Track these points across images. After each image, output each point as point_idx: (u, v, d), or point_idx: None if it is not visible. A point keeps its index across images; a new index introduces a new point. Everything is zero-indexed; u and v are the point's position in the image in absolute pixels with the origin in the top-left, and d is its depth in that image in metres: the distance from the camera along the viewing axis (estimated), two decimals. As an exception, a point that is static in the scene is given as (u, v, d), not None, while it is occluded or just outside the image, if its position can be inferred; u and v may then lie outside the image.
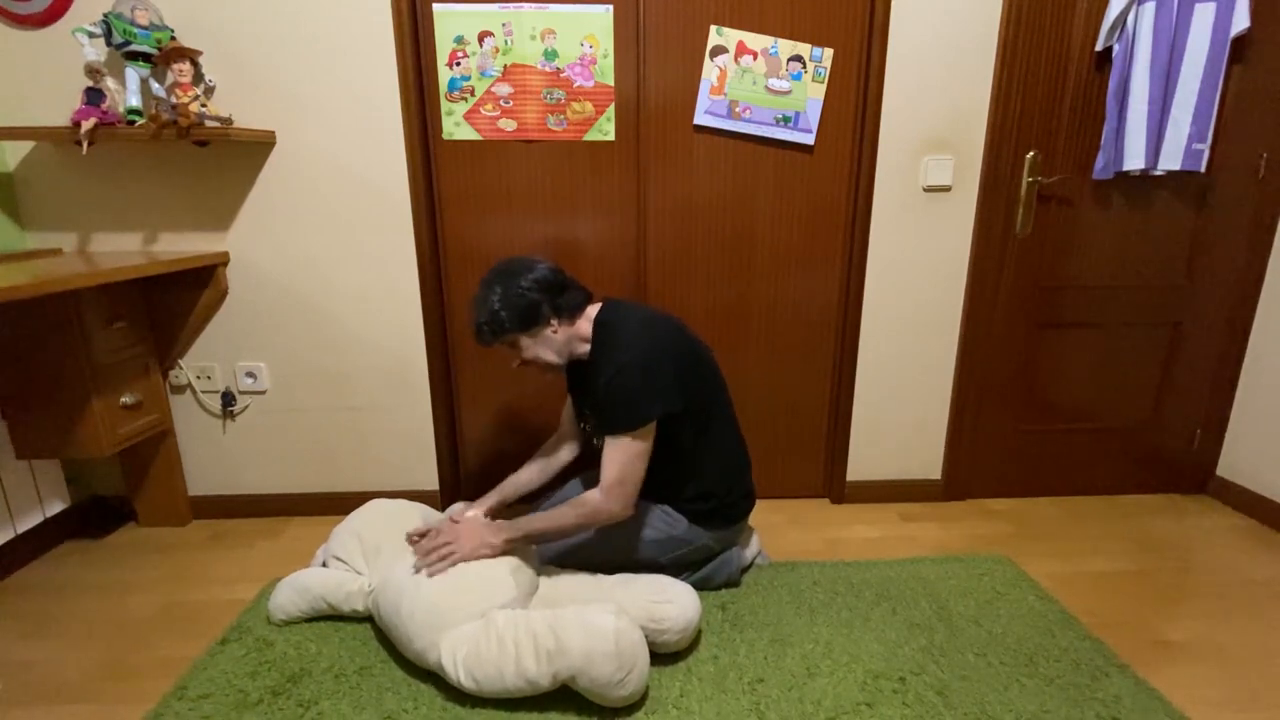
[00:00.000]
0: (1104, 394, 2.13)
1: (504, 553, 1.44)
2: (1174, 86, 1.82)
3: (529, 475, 1.76)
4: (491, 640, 1.25)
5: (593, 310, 1.55)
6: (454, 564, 1.39)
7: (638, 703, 1.28)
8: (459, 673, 1.26)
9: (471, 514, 1.62)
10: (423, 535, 1.53)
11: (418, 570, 1.40)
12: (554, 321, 1.49)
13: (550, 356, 1.52)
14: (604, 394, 1.42)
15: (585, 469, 1.78)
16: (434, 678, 1.35)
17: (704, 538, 1.60)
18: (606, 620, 1.22)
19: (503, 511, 1.69)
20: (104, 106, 1.68)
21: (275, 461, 2.07)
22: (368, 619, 1.54)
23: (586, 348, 1.53)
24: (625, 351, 1.44)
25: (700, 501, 1.58)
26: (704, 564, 1.64)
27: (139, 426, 1.82)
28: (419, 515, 1.69)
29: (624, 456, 1.42)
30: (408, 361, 2.01)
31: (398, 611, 1.35)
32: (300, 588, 1.52)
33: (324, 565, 1.62)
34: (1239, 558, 1.84)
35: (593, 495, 1.45)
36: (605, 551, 1.57)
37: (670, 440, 1.49)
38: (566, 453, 1.78)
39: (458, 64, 1.83)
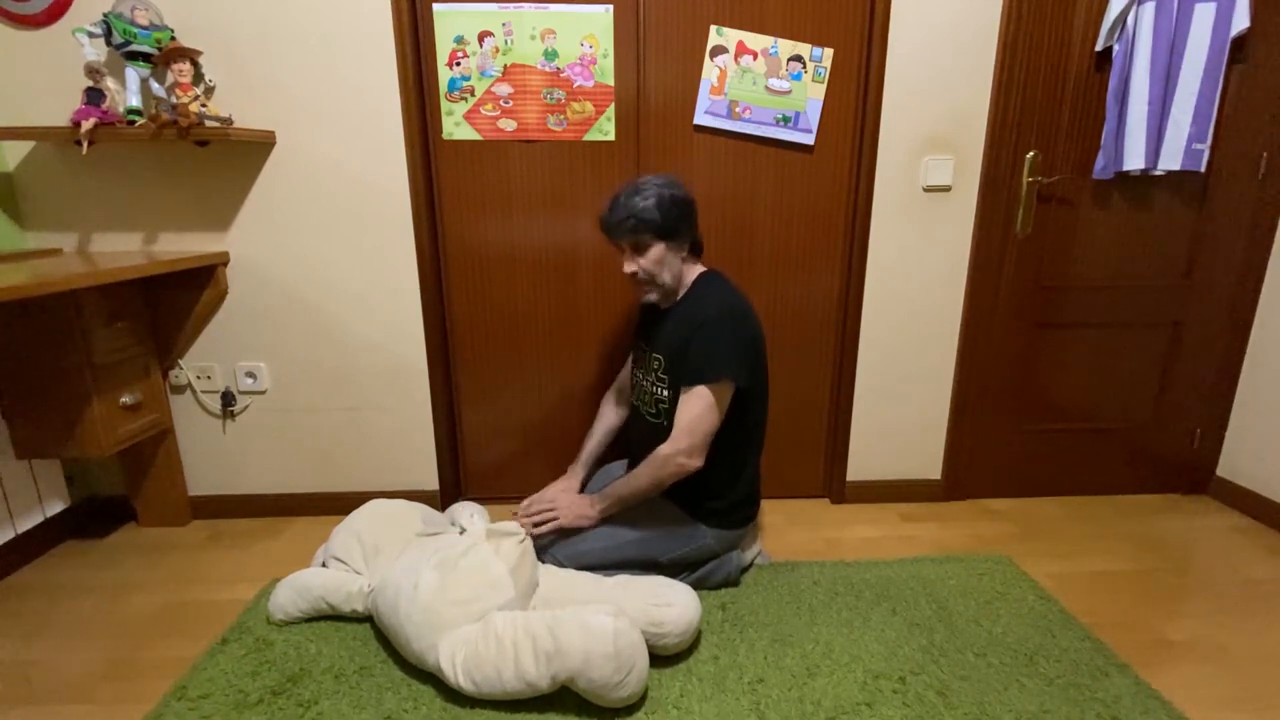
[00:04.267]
0: (1104, 394, 2.13)
1: (600, 523, 1.56)
2: (1174, 86, 1.82)
3: (595, 443, 1.83)
4: (490, 642, 1.25)
5: (699, 267, 1.61)
6: (555, 529, 1.50)
7: (637, 703, 1.28)
8: (458, 675, 1.26)
9: (563, 486, 1.74)
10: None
11: (523, 528, 1.49)
12: (686, 248, 1.55)
13: (666, 276, 1.53)
14: (695, 339, 1.45)
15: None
16: (434, 678, 1.34)
17: (706, 537, 1.60)
18: (605, 621, 1.22)
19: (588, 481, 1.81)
20: (104, 106, 1.68)
21: (275, 461, 2.07)
22: (367, 619, 1.54)
23: (681, 294, 1.58)
24: (726, 308, 1.48)
25: (713, 499, 1.59)
26: (702, 564, 1.64)
27: (139, 426, 1.82)
28: (419, 515, 1.69)
29: (699, 406, 1.45)
30: (408, 361, 2.01)
31: (396, 612, 1.35)
32: (300, 588, 1.52)
33: (324, 565, 1.62)
34: (1239, 558, 1.84)
35: (663, 447, 1.48)
36: (606, 546, 1.57)
37: (722, 438, 1.51)
38: (617, 415, 1.84)
39: (458, 64, 1.83)
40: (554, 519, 1.57)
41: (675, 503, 1.61)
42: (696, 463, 1.47)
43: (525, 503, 1.67)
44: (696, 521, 1.60)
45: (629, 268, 1.54)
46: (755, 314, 1.56)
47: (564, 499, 1.60)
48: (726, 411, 1.50)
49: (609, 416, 1.85)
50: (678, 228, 1.50)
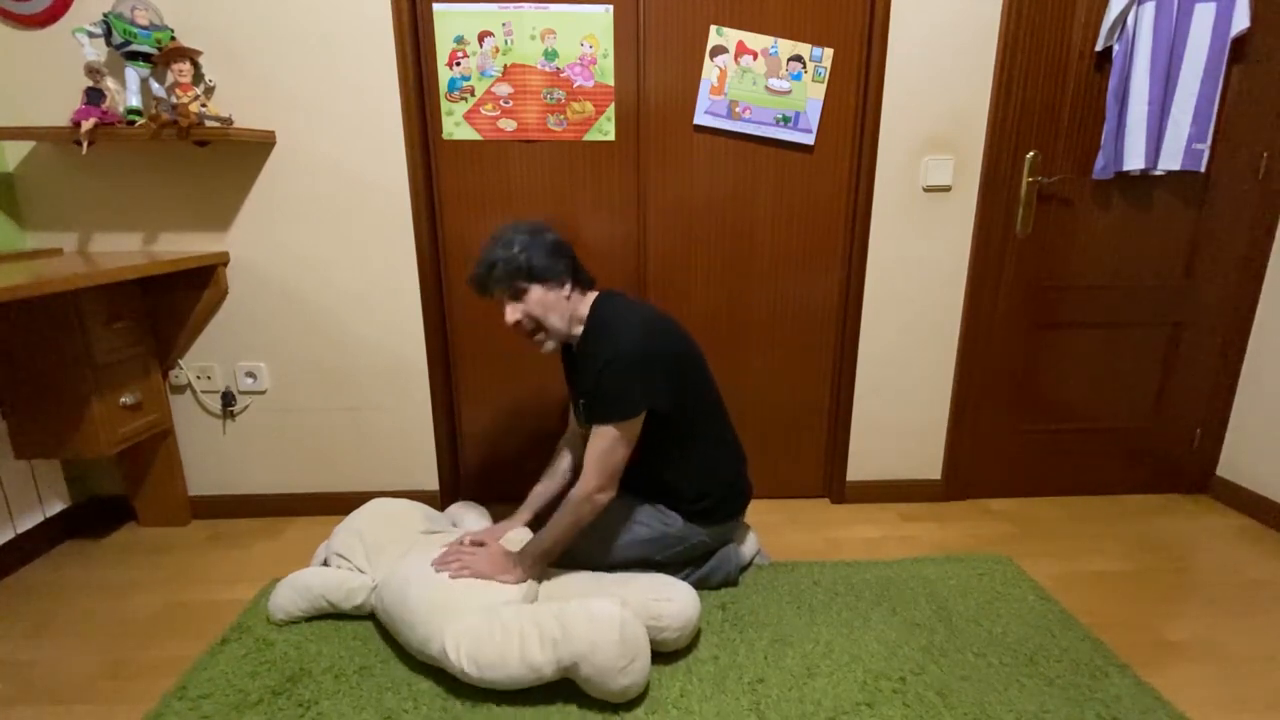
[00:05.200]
0: (1104, 394, 2.13)
1: (533, 577, 1.46)
2: (1174, 86, 1.82)
3: (545, 486, 1.74)
4: (496, 628, 1.26)
5: (590, 297, 1.54)
6: (462, 576, 1.40)
7: (638, 699, 1.28)
8: (460, 658, 1.25)
9: (510, 534, 1.59)
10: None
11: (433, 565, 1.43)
12: (567, 285, 1.48)
13: (555, 320, 1.47)
14: (595, 383, 1.42)
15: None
16: (433, 676, 1.35)
17: (699, 534, 1.60)
18: (611, 609, 1.24)
19: (537, 523, 1.67)
20: (104, 106, 1.68)
21: (275, 461, 2.07)
22: (368, 618, 1.54)
23: (580, 330, 1.53)
24: (619, 343, 1.43)
25: (695, 501, 1.59)
26: (702, 560, 1.65)
27: (139, 426, 1.82)
28: (421, 515, 1.69)
29: (607, 444, 1.42)
30: (408, 361, 2.01)
31: (404, 601, 1.36)
32: (300, 587, 1.52)
33: (325, 563, 1.62)
34: (1239, 558, 1.84)
35: (575, 490, 1.45)
36: (603, 550, 1.57)
37: (662, 440, 1.50)
38: (569, 458, 1.76)
39: (458, 64, 1.83)
40: (464, 568, 1.42)
41: (665, 505, 1.61)
42: (610, 494, 1.45)
43: (451, 544, 1.53)
44: (688, 522, 1.60)
45: (511, 316, 1.46)
46: (663, 327, 1.51)
47: (489, 554, 1.46)
48: (669, 426, 1.48)
49: (563, 462, 1.76)
50: (551, 267, 1.44)
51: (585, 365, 1.50)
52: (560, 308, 1.48)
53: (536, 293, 1.45)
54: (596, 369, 1.42)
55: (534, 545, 1.47)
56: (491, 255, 1.43)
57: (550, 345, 1.51)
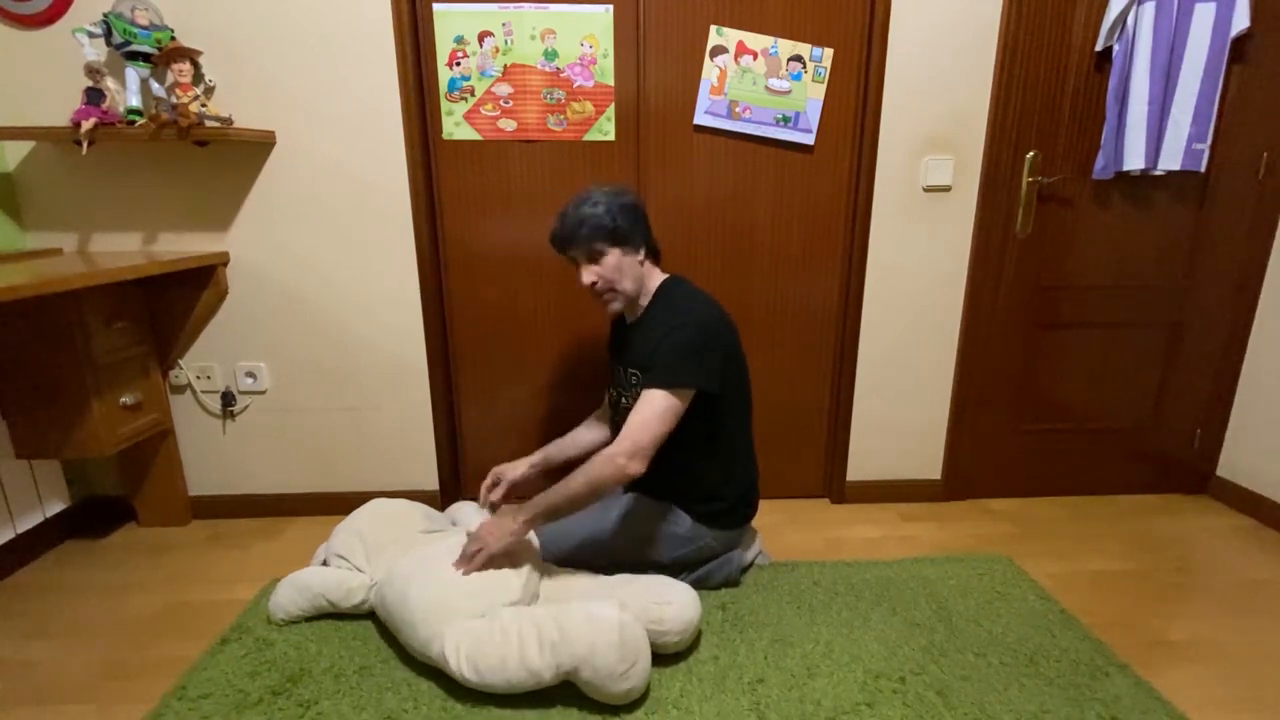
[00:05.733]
0: (1104, 394, 2.13)
1: (527, 533, 1.43)
2: (1174, 86, 1.82)
3: (558, 447, 1.75)
4: (495, 632, 1.26)
5: (659, 273, 1.57)
6: (487, 558, 1.38)
7: (638, 701, 1.28)
8: (460, 663, 1.25)
9: (498, 500, 1.68)
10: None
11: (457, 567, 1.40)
12: (642, 252, 1.51)
13: (627, 284, 1.49)
14: (658, 345, 1.43)
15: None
16: (434, 677, 1.35)
17: (706, 538, 1.60)
18: (610, 612, 1.23)
19: (538, 478, 1.72)
20: (104, 106, 1.68)
21: (275, 461, 2.07)
22: (367, 617, 1.54)
23: (645, 302, 1.55)
24: (692, 314, 1.46)
25: (707, 502, 1.58)
26: (704, 563, 1.64)
27: (139, 426, 1.82)
28: (420, 514, 1.69)
29: (652, 411, 1.39)
30: (408, 361, 2.01)
31: (405, 601, 1.36)
32: (300, 586, 1.52)
33: (325, 564, 1.62)
34: (1239, 558, 1.84)
35: (606, 450, 1.40)
36: (608, 548, 1.57)
37: (693, 432, 1.49)
38: (589, 434, 1.76)
39: (458, 64, 1.83)
40: (479, 552, 1.39)
41: (677, 506, 1.61)
42: (638, 467, 1.38)
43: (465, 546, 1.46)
44: (696, 523, 1.60)
45: (587, 278, 1.49)
46: (726, 317, 1.53)
47: (486, 526, 1.43)
48: (705, 417, 1.48)
49: (584, 435, 1.75)
50: (631, 232, 1.47)
51: (643, 336, 1.51)
52: (634, 272, 1.51)
53: (614, 256, 1.47)
54: (659, 336, 1.44)
55: (542, 498, 1.41)
56: (579, 213, 1.45)
57: (616, 306, 1.54)
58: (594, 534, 1.59)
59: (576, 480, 1.40)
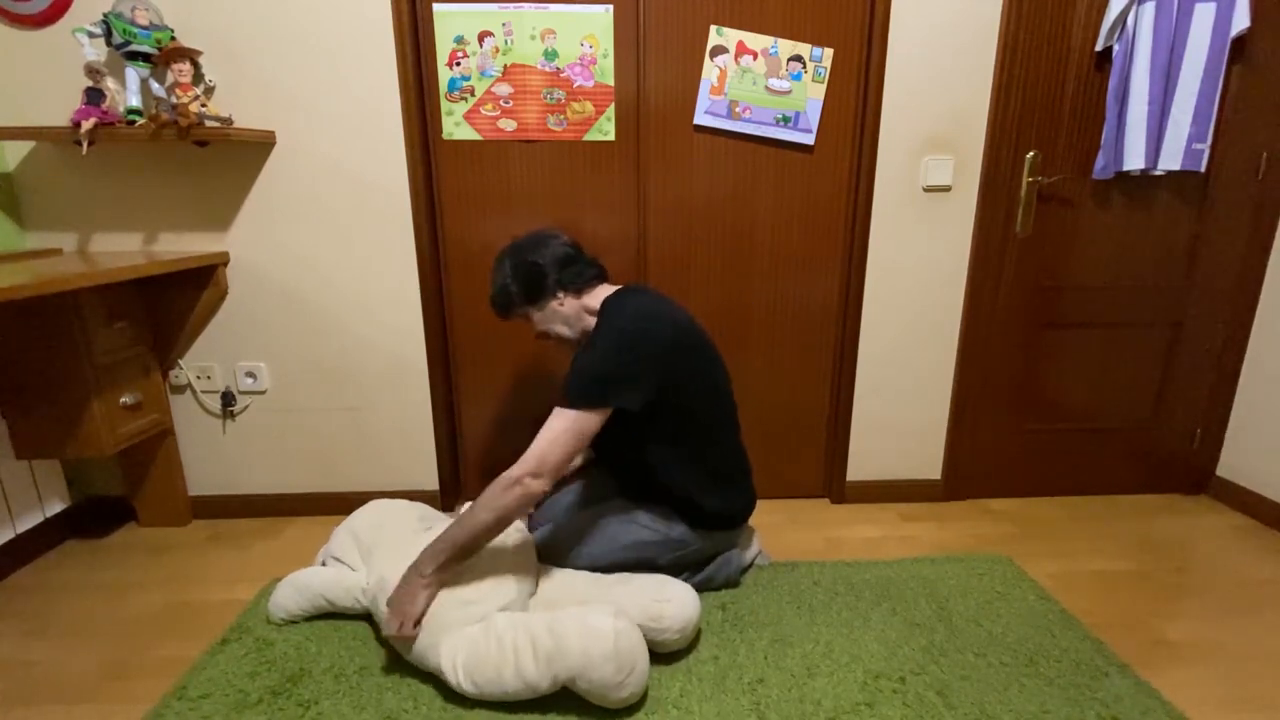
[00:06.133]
0: (1104, 394, 2.13)
1: (440, 583, 1.33)
2: (1174, 86, 1.82)
3: None
4: (491, 642, 1.25)
5: (606, 290, 1.55)
6: (417, 624, 1.29)
7: (637, 704, 1.28)
8: (459, 676, 1.26)
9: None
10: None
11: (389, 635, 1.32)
12: (560, 294, 1.52)
13: (562, 329, 1.55)
14: (573, 363, 1.43)
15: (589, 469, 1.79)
16: (434, 677, 1.34)
17: (702, 540, 1.60)
18: (605, 621, 1.22)
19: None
20: (104, 106, 1.68)
21: (275, 461, 2.07)
22: (367, 617, 1.54)
23: (594, 326, 1.51)
24: (609, 332, 1.43)
25: (697, 508, 1.57)
26: (704, 565, 1.64)
27: (139, 426, 1.82)
28: (416, 515, 1.68)
29: (556, 429, 1.34)
30: (408, 361, 2.01)
31: None
32: (300, 586, 1.52)
33: (324, 566, 1.62)
34: (1239, 558, 1.84)
35: (506, 473, 1.33)
36: (604, 552, 1.57)
37: (659, 438, 1.49)
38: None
39: (458, 64, 1.83)
40: (404, 623, 1.29)
41: (671, 509, 1.60)
42: (544, 485, 1.32)
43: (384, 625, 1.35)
44: (690, 527, 1.59)
45: (534, 334, 1.58)
46: (668, 325, 1.44)
47: (395, 597, 1.32)
48: (665, 421, 1.46)
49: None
50: (537, 289, 1.50)
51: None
52: (560, 316, 1.53)
53: (534, 314, 1.54)
54: (576, 354, 1.46)
55: (443, 542, 1.31)
56: (493, 286, 1.53)
57: (565, 347, 1.59)
58: (591, 551, 1.57)
59: (479, 513, 1.32)
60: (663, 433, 1.49)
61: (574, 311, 1.53)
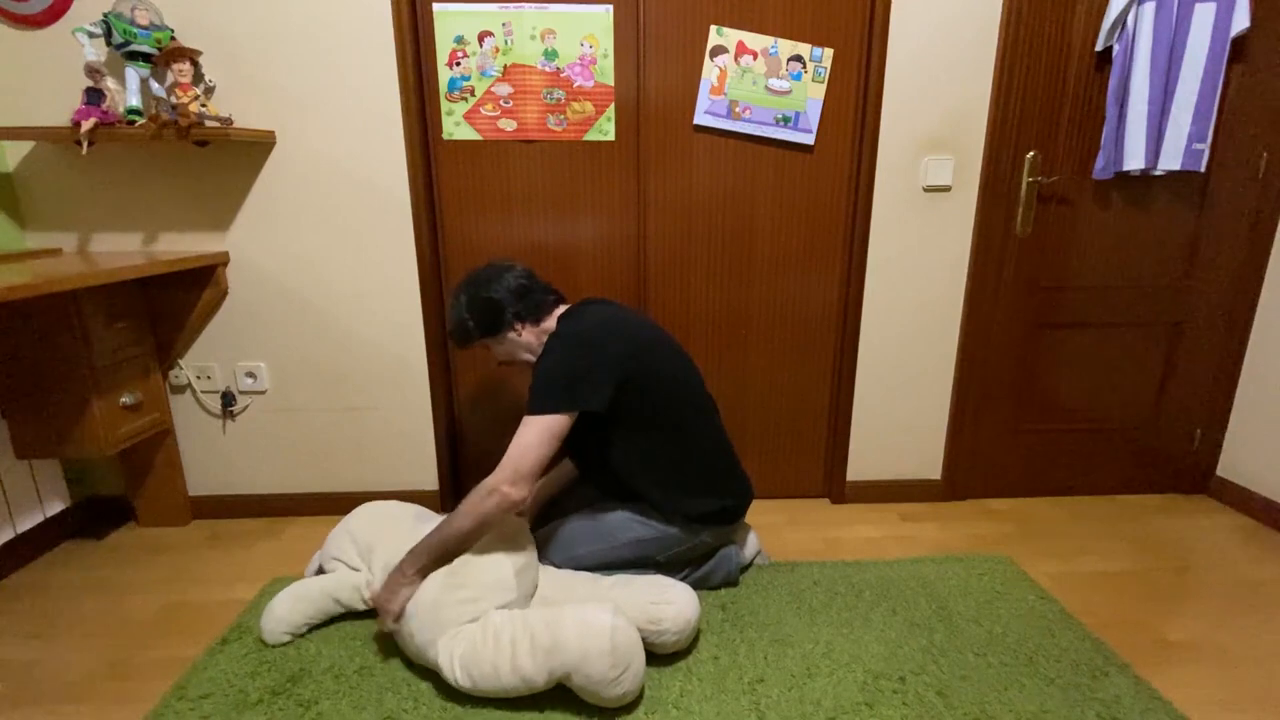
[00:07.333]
0: (1104, 394, 2.13)
1: (421, 582, 1.37)
2: (1174, 86, 1.82)
3: (542, 482, 1.77)
4: (488, 637, 1.26)
5: (557, 312, 1.58)
6: (397, 619, 1.35)
7: (633, 703, 1.28)
8: (455, 671, 1.26)
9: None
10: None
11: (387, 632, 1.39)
12: (518, 325, 1.54)
13: (524, 355, 1.57)
14: (535, 373, 1.45)
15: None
16: (433, 677, 1.35)
17: (698, 536, 1.60)
18: (603, 617, 1.22)
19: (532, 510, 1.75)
20: (104, 106, 1.68)
21: (275, 461, 2.07)
22: (368, 615, 1.54)
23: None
24: (562, 339, 1.47)
25: (683, 506, 1.56)
26: (702, 560, 1.64)
27: (139, 426, 1.82)
28: (411, 515, 1.68)
29: (527, 435, 1.37)
30: (407, 361, 2.01)
31: None
32: (301, 594, 1.50)
33: (320, 570, 1.62)
34: (1239, 558, 1.84)
35: (486, 480, 1.37)
36: (603, 549, 1.57)
37: (634, 445, 1.50)
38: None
39: (458, 64, 1.83)
40: (383, 617, 1.37)
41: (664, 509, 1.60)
42: (521, 492, 1.35)
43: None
44: (685, 524, 1.58)
45: (496, 363, 1.62)
46: (621, 327, 1.49)
47: (381, 590, 1.39)
48: (632, 423, 1.48)
49: (567, 463, 1.82)
50: (494, 321, 1.51)
51: None
52: (517, 345, 1.56)
53: (495, 346, 1.57)
54: (536, 366, 1.48)
55: (427, 544, 1.37)
56: (449, 321, 1.55)
57: (529, 369, 1.57)
58: (591, 548, 1.57)
59: (461, 517, 1.36)
60: (631, 433, 1.50)
61: (534, 339, 1.55)
